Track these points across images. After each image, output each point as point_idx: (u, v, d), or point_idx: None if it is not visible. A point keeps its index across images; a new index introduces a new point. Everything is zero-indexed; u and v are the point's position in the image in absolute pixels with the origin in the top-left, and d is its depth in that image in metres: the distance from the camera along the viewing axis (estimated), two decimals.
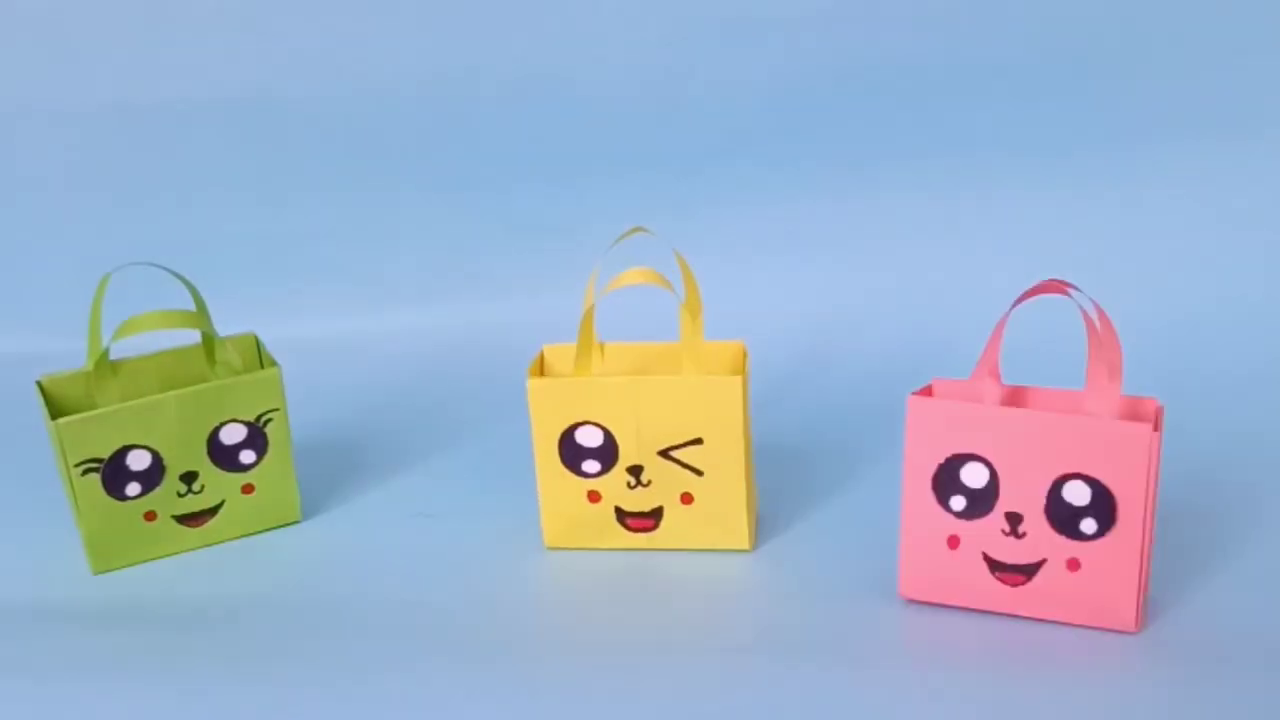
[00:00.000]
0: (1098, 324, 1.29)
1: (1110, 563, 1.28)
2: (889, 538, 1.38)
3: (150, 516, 1.52)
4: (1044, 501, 1.29)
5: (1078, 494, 1.27)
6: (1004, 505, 1.31)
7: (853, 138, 2.06)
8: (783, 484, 1.62)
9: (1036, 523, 1.30)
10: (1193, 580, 1.39)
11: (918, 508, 1.34)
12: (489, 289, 2.14)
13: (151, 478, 1.50)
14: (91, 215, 2.15)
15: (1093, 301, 1.28)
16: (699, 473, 1.46)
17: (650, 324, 1.67)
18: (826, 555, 1.48)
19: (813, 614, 1.38)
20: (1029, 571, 1.32)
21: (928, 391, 1.35)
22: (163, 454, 1.50)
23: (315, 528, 1.60)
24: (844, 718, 1.22)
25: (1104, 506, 1.27)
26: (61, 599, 1.46)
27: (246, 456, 1.54)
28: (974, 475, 1.31)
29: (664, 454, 1.46)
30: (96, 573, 1.51)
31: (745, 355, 1.51)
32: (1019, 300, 1.30)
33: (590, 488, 1.48)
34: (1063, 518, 1.29)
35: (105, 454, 1.47)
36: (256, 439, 1.54)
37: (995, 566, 1.33)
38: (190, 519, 1.54)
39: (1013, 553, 1.32)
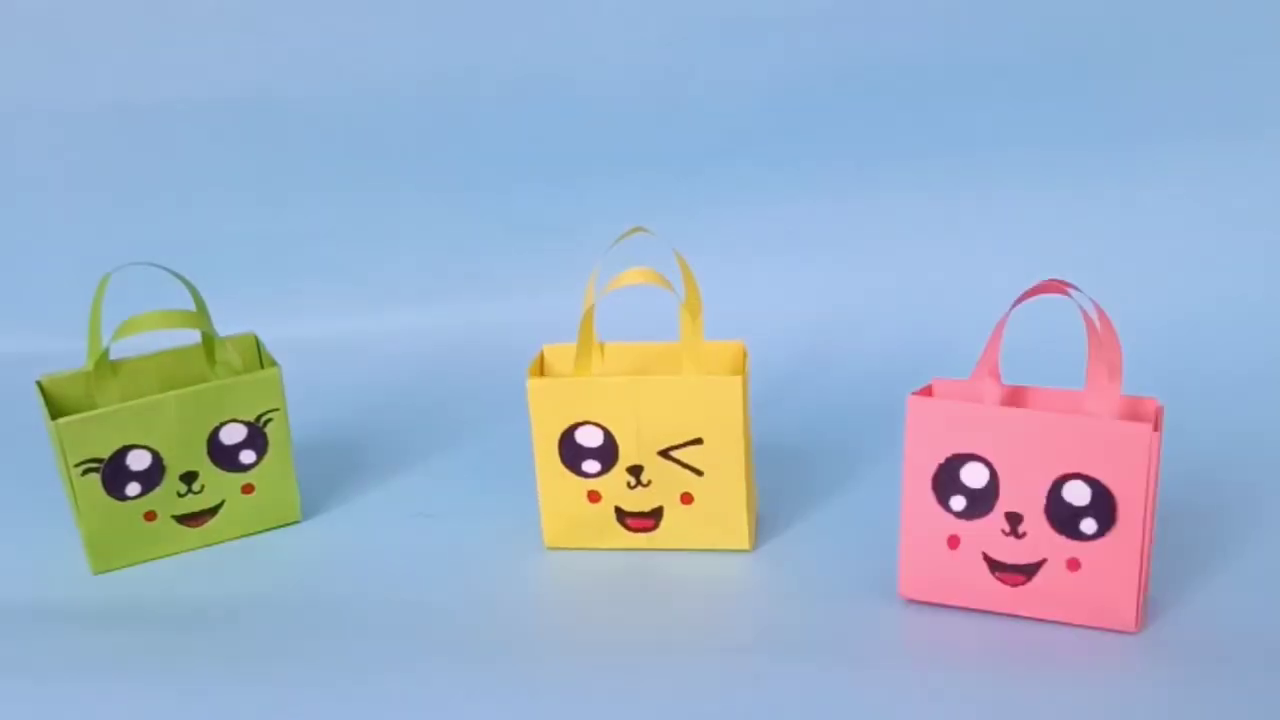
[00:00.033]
0: (1098, 324, 1.29)
1: (1110, 563, 1.28)
2: (889, 538, 1.38)
3: (150, 516, 1.52)
4: (1044, 501, 1.29)
5: (1078, 494, 1.27)
6: (1004, 505, 1.31)
7: (853, 138, 2.06)
8: (783, 484, 1.62)
9: (1036, 523, 1.30)
10: (1193, 580, 1.39)
11: (918, 508, 1.34)
12: (489, 289, 2.14)
13: (151, 478, 1.50)
14: (91, 215, 2.15)
15: (1093, 301, 1.28)
16: (699, 473, 1.46)
17: (650, 324, 1.67)
18: (826, 555, 1.48)
19: (813, 614, 1.38)
20: (1029, 571, 1.32)
21: (928, 391, 1.35)
22: (163, 454, 1.50)
23: (315, 528, 1.60)
24: (844, 718, 1.22)
25: (1104, 506, 1.27)
26: (61, 599, 1.46)
27: (246, 456, 1.54)
28: (974, 475, 1.31)
29: (664, 454, 1.46)
30: (96, 573, 1.51)
31: (745, 355, 1.51)
32: (1019, 300, 1.30)
33: (590, 488, 1.48)
34: (1063, 518, 1.29)
35: (105, 454, 1.47)
36: (256, 439, 1.54)
37: (995, 566, 1.33)
38: (190, 519, 1.54)
39: (1013, 553, 1.32)
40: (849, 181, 2.07)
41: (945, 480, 1.32)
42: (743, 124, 2.07)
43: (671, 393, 1.43)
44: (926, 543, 1.34)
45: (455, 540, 1.55)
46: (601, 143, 2.08)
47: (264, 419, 1.54)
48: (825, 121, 2.05)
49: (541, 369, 1.55)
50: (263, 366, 1.60)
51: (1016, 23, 1.99)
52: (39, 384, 1.54)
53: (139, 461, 1.49)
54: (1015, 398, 1.35)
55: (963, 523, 1.32)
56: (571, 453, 1.47)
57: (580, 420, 1.45)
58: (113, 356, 1.53)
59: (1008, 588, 1.33)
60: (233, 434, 1.52)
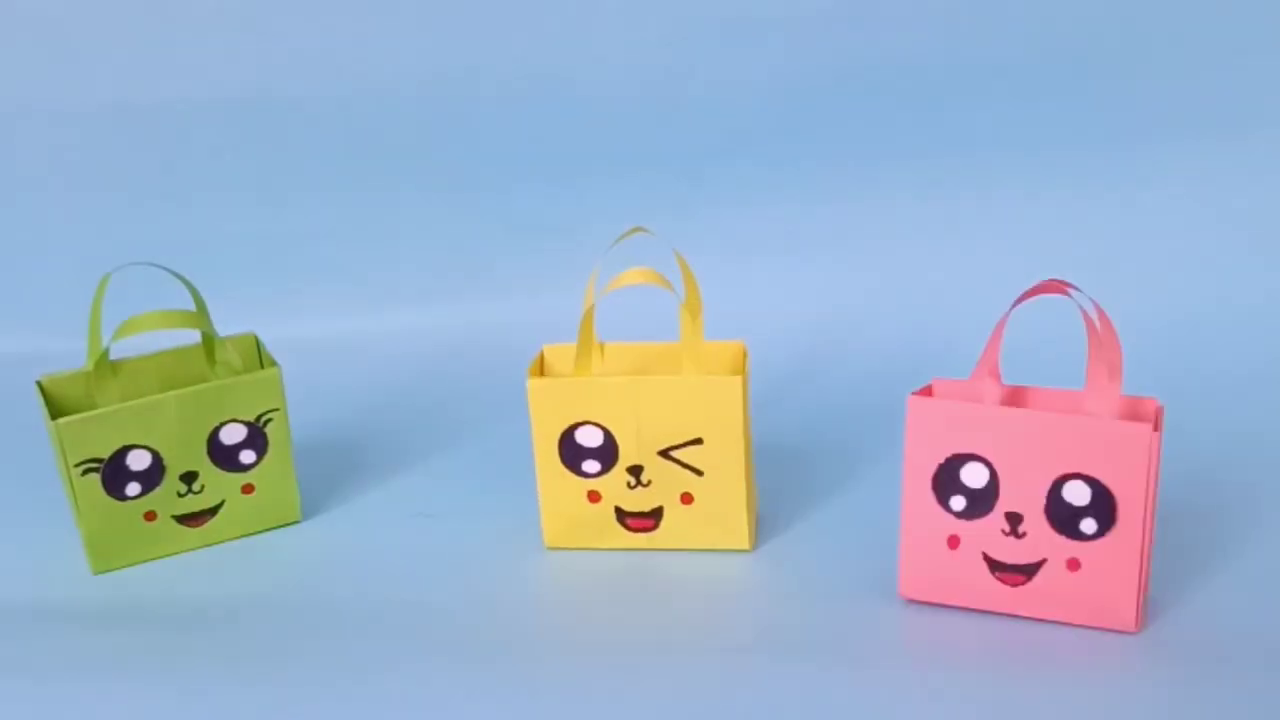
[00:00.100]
0: (1098, 324, 1.29)
1: (1110, 563, 1.28)
2: (889, 538, 1.38)
3: (150, 516, 1.52)
4: (1044, 501, 1.29)
5: (1078, 494, 1.27)
6: (1004, 505, 1.31)
7: (853, 138, 2.06)
8: (783, 484, 1.62)
9: (1036, 523, 1.30)
10: (1193, 580, 1.39)
11: (918, 508, 1.33)
12: (489, 289, 2.14)
13: (151, 478, 1.50)
14: (91, 215, 2.15)
15: (1093, 301, 1.28)
16: (699, 473, 1.46)
17: (650, 324, 1.67)
18: (826, 555, 1.48)
19: (813, 614, 1.38)
20: (1029, 571, 1.32)
21: (928, 391, 1.35)
22: (163, 454, 1.50)
23: (315, 528, 1.60)
24: (844, 718, 1.22)
25: (1104, 506, 1.27)
26: (61, 599, 1.46)
27: (246, 456, 1.54)
28: (974, 475, 1.31)
29: (664, 454, 1.46)
30: (96, 573, 1.51)
31: (745, 355, 1.51)
32: (1019, 300, 1.30)
33: (590, 488, 1.48)
34: (1063, 518, 1.29)
35: (105, 454, 1.47)
36: (256, 439, 1.54)
37: (995, 566, 1.33)
38: (190, 519, 1.54)
39: (1013, 553, 1.32)
40: (849, 181, 2.07)
41: (945, 480, 1.32)
42: (743, 124, 2.07)
43: (671, 393, 1.43)
44: (926, 543, 1.34)
45: (455, 540, 1.55)
46: (601, 143, 2.08)
47: (264, 419, 1.54)
48: (825, 121, 2.05)
49: (541, 369, 1.55)
50: (263, 366, 1.60)
51: (1016, 23, 1.99)
52: (39, 384, 1.54)
53: (139, 461, 1.49)
54: (1015, 398, 1.35)
55: (963, 523, 1.32)
56: (571, 453, 1.47)
57: (580, 420, 1.45)
58: (113, 356, 1.53)
59: (1008, 588, 1.33)
60: (233, 434, 1.52)
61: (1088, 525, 1.28)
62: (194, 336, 1.58)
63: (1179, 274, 1.98)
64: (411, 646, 1.35)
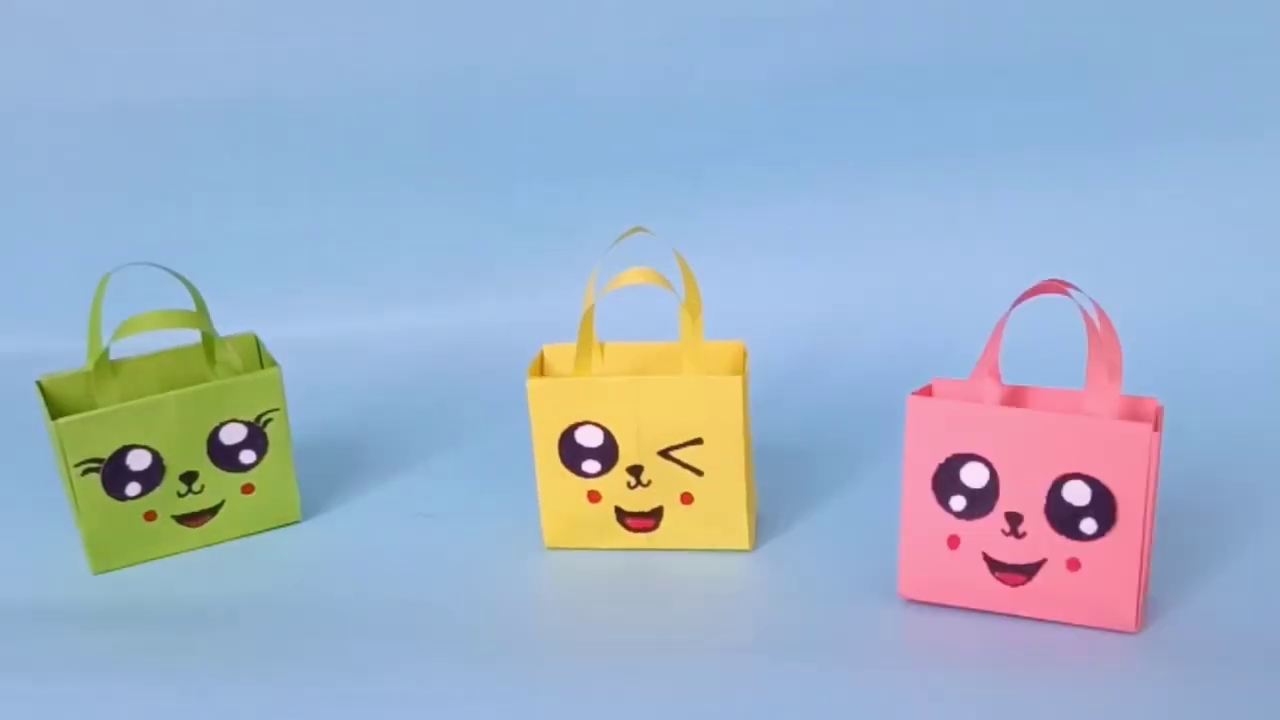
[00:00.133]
0: (1098, 324, 1.29)
1: (1110, 563, 1.28)
2: (889, 538, 1.38)
3: (150, 516, 1.52)
4: (1044, 501, 1.29)
5: (1078, 494, 1.27)
6: (1004, 505, 1.31)
7: (853, 138, 2.06)
8: (783, 484, 1.62)
9: (1036, 523, 1.30)
10: (1193, 580, 1.39)
11: (918, 508, 1.33)
12: (489, 289, 2.14)
13: (151, 478, 1.50)
14: (91, 215, 2.15)
15: (1093, 301, 1.28)
16: (699, 473, 1.46)
17: (650, 324, 1.67)
18: (826, 555, 1.48)
19: (813, 614, 1.38)
20: (1029, 571, 1.32)
21: (928, 391, 1.35)
22: (163, 454, 1.50)
23: (315, 528, 1.60)
24: (844, 718, 1.22)
25: (1104, 506, 1.27)
26: (61, 599, 1.46)
27: (246, 456, 1.54)
28: (974, 475, 1.31)
29: (664, 454, 1.46)
30: (96, 573, 1.51)
31: (745, 355, 1.51)
32: (1019, 300, 1.30)
33: (590, 488, 1.48)
34: (1063, 518, 1.29)
35: (105, 454, 1.47)
36: (256, 439, 1.54)
37: (995, 566, 1.33)
38: (190, 519, 1.54)
39: (1013, 553, 1.32)
40: (849, 181, 2.07)
41: (945, 480, 1.32)
42: (743, 124, 2.07)
43: (671, 393, 1.43)
44: (926, 543, 1.34)
45: (455, 540, 1.55)
46: (601, 143, 2.08)
47: (264, 419, 1.54)
48: (825, 121, 2.05)
49: (541, 369, 1.55)
50: (263, 366, 1.60)
51: (1016, 23, 1.99)
52: (39, 384, 1.54)
53: (139, 461, 1.49)
54: (1015, 398, 1.35)
55: (963, 523, 1.32)
56: (571, 453, 1.47)
57: (580, 420, 1.45)
58: (113, 356, 1.53)
59: (1008, 588, 1.33)
60: (233, 434, 1.52)
61: (1088, 525, 1.28)
62: (194, 336, 1.58)
63: (1179, 274, 1.98)
64: (411, 646, 1.35)
